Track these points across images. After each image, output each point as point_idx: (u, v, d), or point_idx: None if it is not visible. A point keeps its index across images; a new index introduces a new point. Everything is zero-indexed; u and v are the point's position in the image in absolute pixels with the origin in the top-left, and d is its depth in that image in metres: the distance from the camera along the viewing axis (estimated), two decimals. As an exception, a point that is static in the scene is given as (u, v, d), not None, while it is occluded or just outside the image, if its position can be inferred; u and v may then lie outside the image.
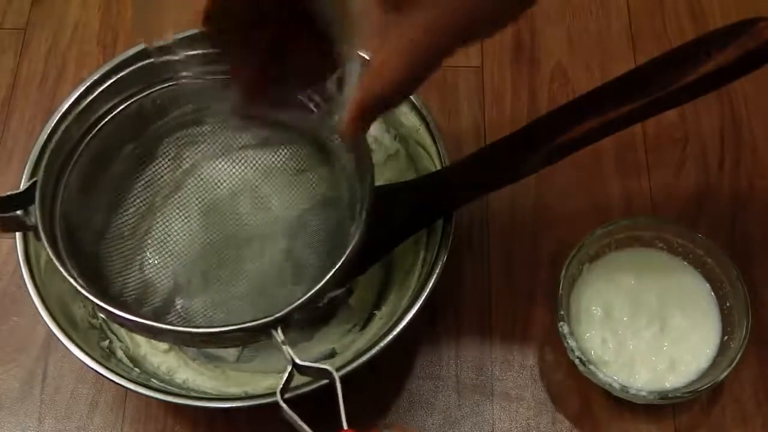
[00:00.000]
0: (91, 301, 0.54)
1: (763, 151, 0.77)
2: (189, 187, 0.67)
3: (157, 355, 0.67)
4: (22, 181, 0.62)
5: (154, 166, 0.66)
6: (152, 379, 0.63)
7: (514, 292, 0.71)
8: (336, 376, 0.50)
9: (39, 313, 0.60)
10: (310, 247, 0.65)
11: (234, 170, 0.67)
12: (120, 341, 0.66)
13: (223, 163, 0.67)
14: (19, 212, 0.56)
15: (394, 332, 0.59)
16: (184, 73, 0.61)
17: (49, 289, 0.62)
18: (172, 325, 0.57)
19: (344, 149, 0.61)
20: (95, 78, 0.63)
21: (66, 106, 0.63)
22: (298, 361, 0.51)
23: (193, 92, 0.63)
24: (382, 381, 0.68)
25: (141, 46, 0.65)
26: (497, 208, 0.74)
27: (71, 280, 0.55)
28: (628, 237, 0.68)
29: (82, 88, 0.63)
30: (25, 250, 0.62)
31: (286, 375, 0.51)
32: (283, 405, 0.49)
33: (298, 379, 0.62)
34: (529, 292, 0.71)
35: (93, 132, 0.61)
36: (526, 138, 0.59)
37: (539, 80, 0.80)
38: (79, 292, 0.55)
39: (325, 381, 0.52)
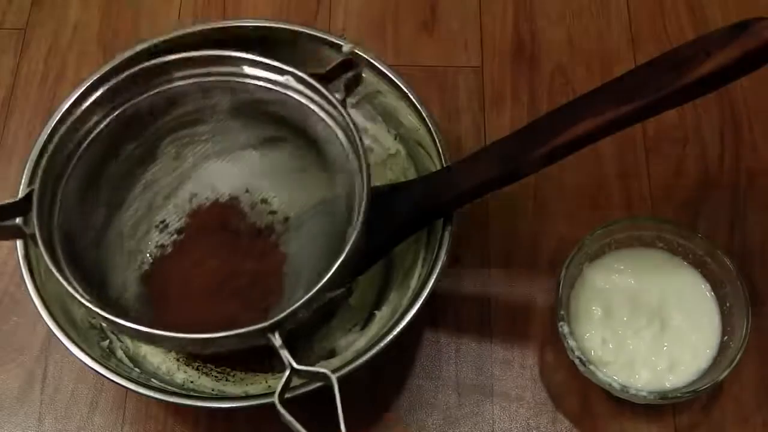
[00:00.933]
0: (90, 309, 0.54)
1: (763, 150, 0.77)
2: (189, 187, 0.67)
3: (157, 355, 0.67)
4: (21, 184, 0.62)
5: (154, 167, 0.66)
6: (152, 379, 0.63)
7: (514, 292, 0.71)
8: (334, 380, 0.50)
9: (39, 313, 0.60)
10: (308, 249, 0.65)
11: (234, 170, 0.67)
12: (120, 341, 0.66)
13: (223, 163, 0.68)
14: (16, 221, 0.56)
15: (394, 332, 0.59)
16: (179, 74, 0.61)
17: (49, 289, 0.62)
18: (171, 331, 0.57)
19: (342, 148, 0.61)
20: (93, 81, 0.63)
21: (64, 108, 0.63)
22: (296, 365, 0.51)
23: (190, 93, 0.63)
24: (382, 381, 0.68)
25: (138, 48, 0.65)
26: (497, 208, 0.74)
27: (70, 289, 0.55)
28: (628, 237, 0.68)
29: (79, 91, 0.63)
30: (25, 250, 0.62)
31: (284, 379, 0.51)
32: (281, 409, 0.50)
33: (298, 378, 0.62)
34: (529, 292, 0.71)
35: (91, 136, 0.61)
36: (526, 138, 0.59)
37: (539, 80, 0.80)
38: (78, 300, 0.55)
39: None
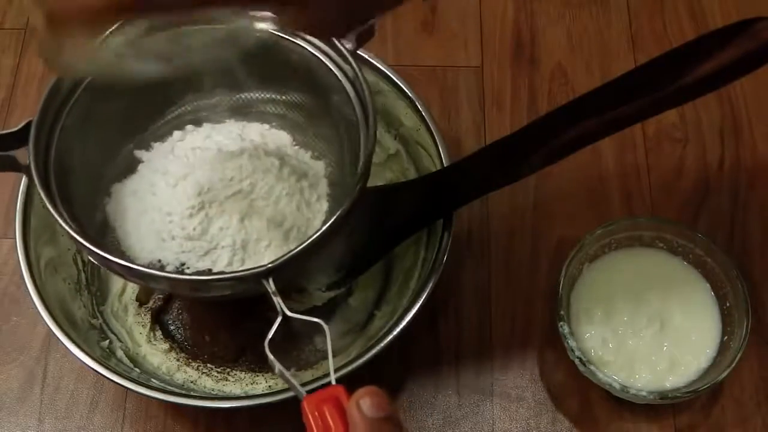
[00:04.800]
0: (84, 245, 0.52)
1: (763, 151, 0.77)
2: (192, 132, 0.65)
3: (157, 355, 0.67)
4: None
5: (156, 108, 0.64)
6: (152, 379, 0.63)
7: (514, 292, 0.71)
8: (326, 327, 0.49)
9: (39, 313, 0.60)
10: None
11: (239, 131, 0.65)
12: (120, 341, 0.66)
13: (230, 122, 0.66)
14: (12, 152, 0.55)
15: (394, 332, 0.59)
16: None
17: (49, 289, 0.62)
18: (164, 271, 0.56)
19: (348, 99, 0.59)
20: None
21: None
22: (288, 312, 0.51)
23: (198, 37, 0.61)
24: (382, 381, 0.68)
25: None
26: (497, 208, 0.74)
27: (61, 222, 0.53)
28: (628, 237, 0.68)
29: None
30: (25, 250, 0.62)
31: (276, 325, 0.51)
32: (268, 353, 0.49)
33: (306, 375, 0.62)
34: (529, 292, 0.71)
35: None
36: (526, 138, 0.59)
37: (539, 80, 0.80)
38: (72, 237, 0.53)
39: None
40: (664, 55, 0.55)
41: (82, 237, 0.53)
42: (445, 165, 0.64)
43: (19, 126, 0.55)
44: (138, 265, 0.53)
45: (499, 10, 0.84)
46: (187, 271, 0.58)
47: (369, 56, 0.67)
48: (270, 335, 0.50)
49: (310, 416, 0.45)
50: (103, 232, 0.60)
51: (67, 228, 0.53)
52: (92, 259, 0.56)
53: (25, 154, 0.55)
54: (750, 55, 0.52)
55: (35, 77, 0.82)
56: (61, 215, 0.54)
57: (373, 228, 0.63)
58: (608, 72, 0.79)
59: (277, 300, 0.51)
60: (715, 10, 0.83)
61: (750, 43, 0.52)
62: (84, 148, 0.60)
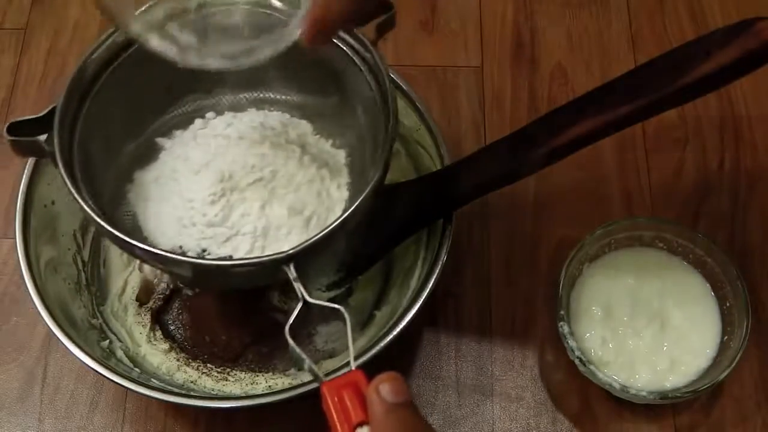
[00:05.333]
0: (107, 230, 0.53)
1: (763, 151, 0.77)
2: (213, 120, 0.65)
3: (157, 355, 0.67)
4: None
5: (182, 97, 0.65)
6: (152, 379, 0.63)
7: (514, 292, 0.71)
8: (346, 315, 0.50)
9: (39, 313, 0.60)
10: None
11: (261, 119, 0.65)
12: (120, 341, 0.66)
13: (251, 110, 0.66)
14: (38, 138, 0.55)
15: (394, 332, 0.59)
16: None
17: (49, 289, 0.62)
18: (185, 256, 0.56)
19: (369, 89, 0.59)
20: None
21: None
22: (308, 298, 0.51)
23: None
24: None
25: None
26: (497, 208, 0.74)
27: (87, 209, 0.53)
28: (628, 237, 0.68)
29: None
30: (25, 250, 0.62)
31: (297, 311, 0.51)
32: (290, 339, 0.49)
33: (306, 375, 0.62)
34: (529, 291, 0.71)
35: (118, 60, 0.59)
36: (526, 138, 0.59)
37: (539, 80, 0.80)
38: (95, 221, 0.53)
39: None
40: (664, 55, 0.55)
41: (107, 224, 0.53)
42: (445, 165, 0.64)
43: (44, 112, 0.55)
44: (162, 250, 0.54)
45: (499, 10, 0.84)
46: (208, 257, 0.59)
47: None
48: (290, 321, 0.50)
49: (330, 401, 0.45)
50: (123, 216, 0.61)
51: (92, 215, 0.53)
52: (117, 246, 0.56)
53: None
54: (750, 55, 0.52)
55: (35, 77, 0.82)
56: (85, 201, 0.54)
57: (373, 228, 0.63)
58: (608, 72, 0.79)
59: (298, 286, 0.51)
60: (715, 10, 0.83)
61: (750, 43, 0.52)
62: (108, 134, 0.60)
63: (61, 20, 0.85)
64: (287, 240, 0.59)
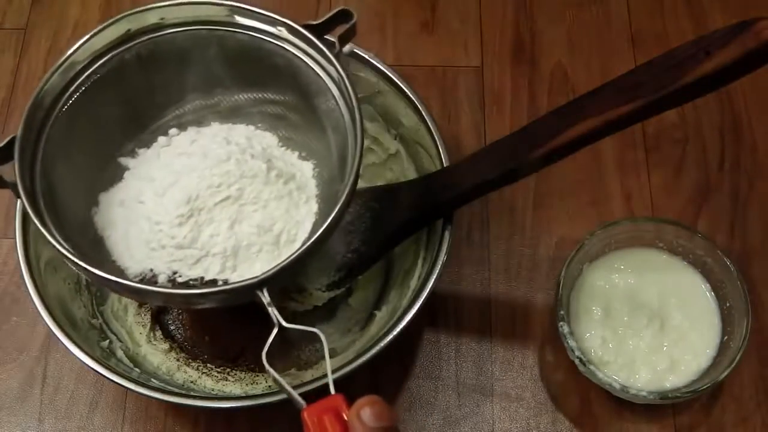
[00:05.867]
0: (77, 263, 0.52)
1: (763, 151, 0.77)
2: (176, 137, 0.63)
3: (157, 355, 0.67)
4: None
5: (140, 114, 0.63)
6: (152, 379, 0.63)
7: (514, 292, 0.71)
8: (322, 336, 0.49)
9: (39, 313, 0.60)
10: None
11: (225, 134, 0.63)
12: (120, 341, 0.66)
13: (215, 124, 0.64)
14: None
15: (394, 332, 0.59)
16: (168, 22, 0.59)
17: (49, 289, 0.62)
18: (157, 286, 0.55)
19: (335, 102, 0.58)
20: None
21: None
22: (284, 323, 0.51)
23: (178, 42, 0.60)
24: (382, 381, 0.68)
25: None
26: (497, 208, 0.74)
27: (51, 240, 0.52)
28: (628, 237, 0.68)
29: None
30: (25, 250, 0.62)
31: (272, 337, 0.50)
32: (267, 365, 0.49)
33: (306, 375, 0.62)
34: (529, 292, 0.71)
35: (75, 85, 0.59)
36: (526, 138, 0.59)
37: (539, 80, 0.80)
38: (64, 256, 0.52)
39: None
40: (664, 54, 0.55)
41: (72, 254, 0.52)
42: (445, 165, 0.64)
43: (3, 143, 0.54)
44: (131, 281, 0.53)
45: (499, 10, 0.84)
46: (179, 279, 0.58)
47: (369, 56, 0.67)
48: (267, 347, 0.50)
49: (311, 427, 0.45)
50: (95, 245, 0.60)
51: (56, 245, 0.52)
52: (86, 276, 0.56)
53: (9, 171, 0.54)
54: (750, 55, 0.52)
55: (35, 77, 0.82)
56: (49, 231, 0.53)
57: (373, 228, 0.63)
58: (608, 72, 0.79)
59: (272, 311, 0.51)
60: (715, 10, 0.83)
61: (750, 43, 0.52)
62: (70, 159, 0.59)
63: (61, 20, 0.85)
64: (258, 258, 0.58)
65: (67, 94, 0.58)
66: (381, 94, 0.68)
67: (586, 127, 0.56)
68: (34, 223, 0.53)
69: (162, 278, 0.58)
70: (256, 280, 0.51)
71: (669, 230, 0.67)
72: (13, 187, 0.54)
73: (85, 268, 0.52)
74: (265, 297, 0.51)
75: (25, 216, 0.63)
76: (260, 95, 0.64)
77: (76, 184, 0.60)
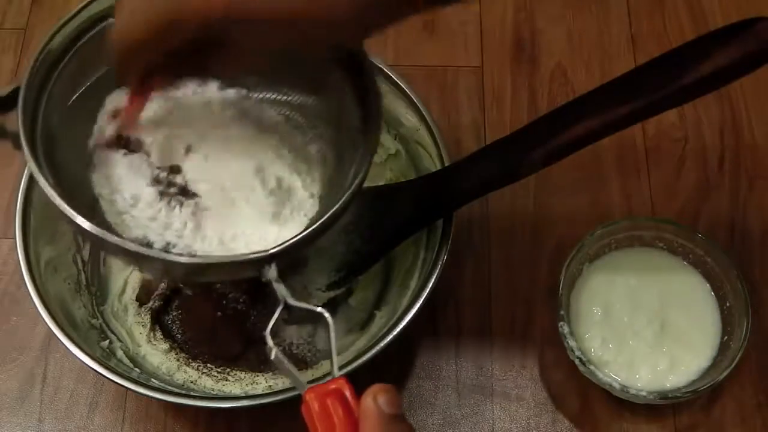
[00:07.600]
0: (74, 222, 0.49)
1: (763, 151, 0.77)
2: (181, 105, 0.60)
3: (157, 355, 0.67)
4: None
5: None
6: (152, 379, 0.63)
7: (514, 292, 0.71)
8: (329, 318, 0.48)
9: (39, 313, 0.60)
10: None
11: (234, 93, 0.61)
12: (120, 341, 0.66)
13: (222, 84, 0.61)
14: None
15: (394, 332, 0.59)
16: None
17: (49, 289, 0.62)
18: (159, 252, 0.52)
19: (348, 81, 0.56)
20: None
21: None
22: (290, 300, 0.49)
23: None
24: (382, 381, 0.68)
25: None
26: (497, 208, 0.74)
27: (53, 196, 0.49)
28: (628, 237, 0.68)
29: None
30: (25, 250, 0.62)
31: (277, 313, 0.49)
32: (270, 341, 0.48)
33: (306, 375, 0.62)
34: (529, 292, 0.71)
35: (82, 39, 0.57)
36: (526, 138, 0.59)
37: (539, 80, 0.80)
38: (62, 211, 0.49)
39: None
40: (664, 55, 0.55)
41: (72, 208, 0.49)
42: (445, 165, 0.64)
43: (7, 90, 0.52)
44: (132, 246, 0.50)
45: (499, 10, 0.84)
46: (174, 250, 0.55)
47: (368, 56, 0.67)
48: (271, 323, 0.49)
49: (312, 410, 0.44)
50: (93, 207, 0.56)
51: (54, 197, 0.50)
52: (85, 237, 0.53)
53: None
54: (750, 55, 0.52)
55: (35, 77, 0.82)
56: (50, 183, 0.50)
57: (373, 228, 0.63)
58: (608, 72, 0.79)
59: (279, 287, 0.50)
60: (715, 10, 0.83)
61: (750, 43, 0.52)
62: (71, 116, 0.57)
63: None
64: (259, 242, 0.55)
65: (75, 47, 0.57)
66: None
67: (586, 127, 0.56)
68: (36, 179, 0.50)
69: (157, 247, 0.54)
70: (265, 254, 0.50)
71: (669, 230, 0.67)
72: (14, 137, 0.52)
73: (90, 232, 0.49)
74: (273, 273, 0.50)
75: (25, 216, 0.63)
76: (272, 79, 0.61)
77: (76, 141, 0.57)
